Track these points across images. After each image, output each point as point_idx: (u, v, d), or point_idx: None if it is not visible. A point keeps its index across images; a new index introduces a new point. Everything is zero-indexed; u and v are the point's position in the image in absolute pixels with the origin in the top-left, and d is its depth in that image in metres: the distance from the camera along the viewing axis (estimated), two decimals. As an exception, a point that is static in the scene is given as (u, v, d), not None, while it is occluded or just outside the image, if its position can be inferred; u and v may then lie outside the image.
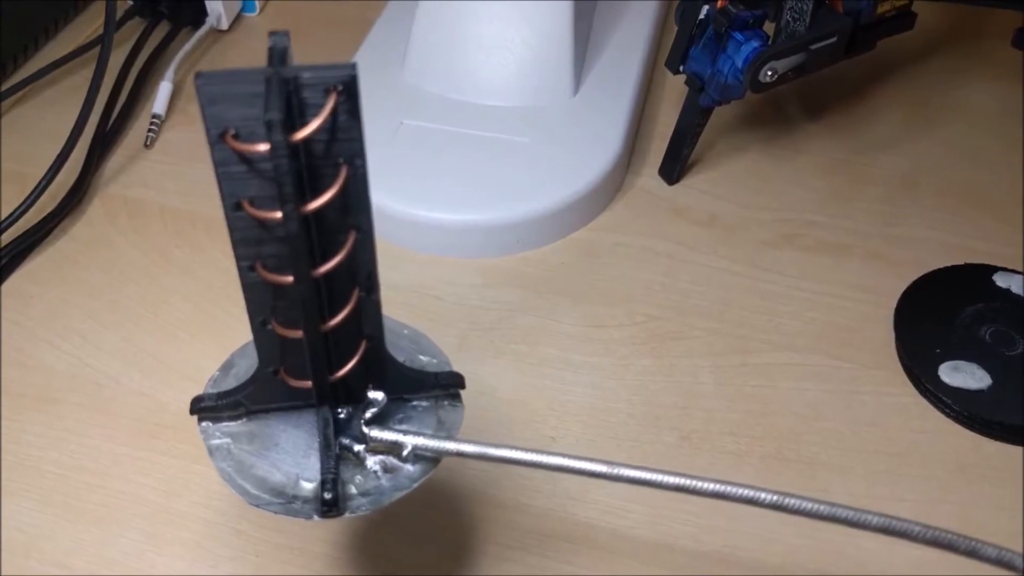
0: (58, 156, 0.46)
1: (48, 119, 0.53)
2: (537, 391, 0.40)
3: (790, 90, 0.54)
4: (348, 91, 0.21)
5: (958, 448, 0.38)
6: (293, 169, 0.21)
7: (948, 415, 0.39)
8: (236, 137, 0.21)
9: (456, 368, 0.30)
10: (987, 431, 0.39)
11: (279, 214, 0.22)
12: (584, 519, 0.36)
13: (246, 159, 0.22)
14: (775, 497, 0.25)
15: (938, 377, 0.40)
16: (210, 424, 0.28)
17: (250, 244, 0.24)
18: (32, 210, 0.46)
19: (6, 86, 0.55)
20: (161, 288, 0.45)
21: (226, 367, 0.29)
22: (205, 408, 0.28)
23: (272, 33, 0.22)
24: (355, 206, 0.23)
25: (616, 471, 0.26)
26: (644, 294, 0.44)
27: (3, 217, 0.45)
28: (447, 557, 0.35)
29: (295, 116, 0.21)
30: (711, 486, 0.26)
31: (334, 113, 0.22)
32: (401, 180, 0.46)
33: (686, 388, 0.40)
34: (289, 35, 0.22)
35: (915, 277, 0.44)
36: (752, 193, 0.49)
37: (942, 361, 0.40)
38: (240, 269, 0.24)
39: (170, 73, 0.55)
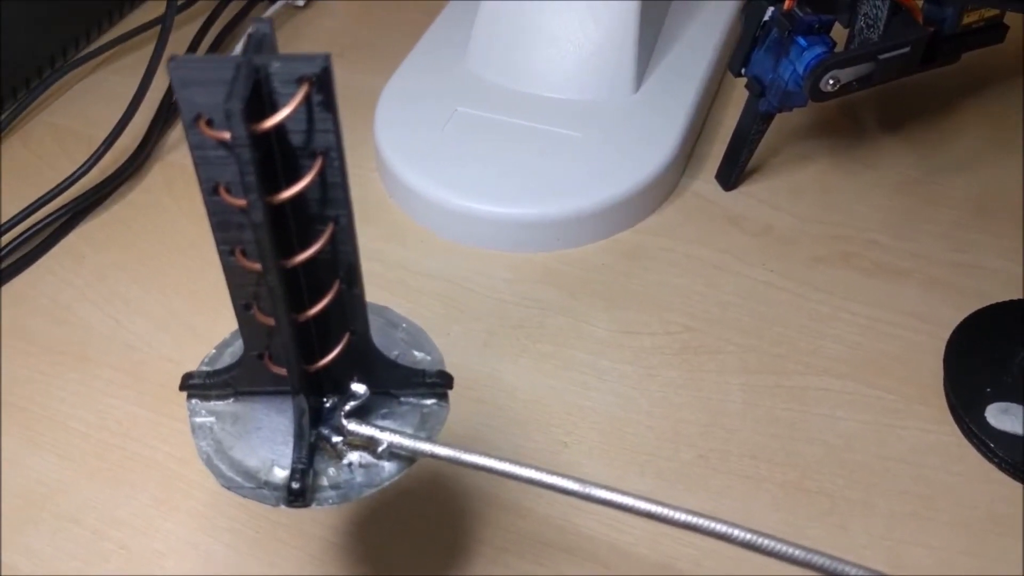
0: (119, 121, 0.48)
1: (125, 85, 0.54)
2: (557, 394, 0.39)
3: (867, 99, 0.52)
4: (321, 83, 0.21)
5: (995, 496, 0.36)
6: (255, 159, 0.21)
7: (990, 460, 0.37)
8: (209, 123, 0.21)
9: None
10: (1031, 481, 0.36)
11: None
12: (584, 530, 0.35)
13: (224, 144, 0.22)
14: (749, 536, 0.24)
15: (984, 418, 0.37)
16: (198, 402, 0.28)
17: (229, 229, 0.24)
18: (95, 171, 0.48)
19: (88, 50, 0.57)
20: (205, 260, 0.45)
21: (222, 346, 0.29)
22: (194, 385, 0.28)
23: (255, 20, 0.22)
24: (332, 199, 0.23)
25: (587, 490, 0.25)
26: (683, 303, 0.43)
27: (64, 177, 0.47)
28: (440, 552, 0.35)
29: (265, 105, 0.21)
30: (682, 516, 0.25)
31: (308, 105, 0.21)
32: (446, 167, 0.46)
33: (712, 405, 0.39)
34: (272, 23, 0.22)
35: (976, 309, 0.41)
36: (813, 206, 0.47)
37: (991, 402, 0.38)
38: (220, 253, 0.24)
39: (240, 46, 0.56)
